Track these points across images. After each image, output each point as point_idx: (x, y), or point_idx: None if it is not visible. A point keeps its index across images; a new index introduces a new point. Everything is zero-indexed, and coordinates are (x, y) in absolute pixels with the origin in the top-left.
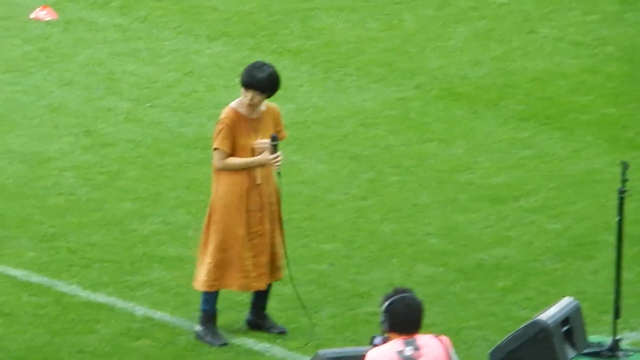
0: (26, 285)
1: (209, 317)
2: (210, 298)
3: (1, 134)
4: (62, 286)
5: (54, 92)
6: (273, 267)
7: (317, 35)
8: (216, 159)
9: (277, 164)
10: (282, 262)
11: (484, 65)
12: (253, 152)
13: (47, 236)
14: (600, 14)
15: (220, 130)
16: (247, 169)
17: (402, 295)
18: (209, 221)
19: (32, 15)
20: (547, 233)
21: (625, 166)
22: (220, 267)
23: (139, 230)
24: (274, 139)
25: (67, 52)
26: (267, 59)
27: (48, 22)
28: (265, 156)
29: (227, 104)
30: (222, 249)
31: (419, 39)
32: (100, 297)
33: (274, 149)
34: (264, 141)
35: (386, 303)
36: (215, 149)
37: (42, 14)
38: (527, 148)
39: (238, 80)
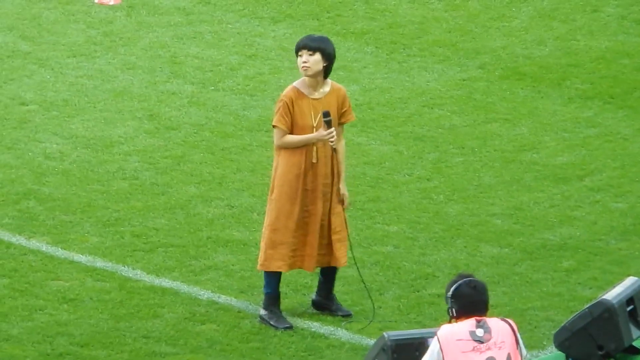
0: (90, 270)
1: (271, 300)
2: (272, 281)
3: (65, 118)
4: (126, 271)
5: (118, 76)
6: (326, 251)
7: (381, 17)
8: (275, 137)
9: (332, 139)
10: (341, 247)
11: (548, 44)
12: (312, 131)
13: (111, 221)
14: None
15: (279, 108)
16: (305, 149)
17: (468, 278)
18: (268, 200)
19: (96, 0)
20: (612, 212)
21: None
22: (271, 247)
23: (203, 214)
24: (325, 114)
25: (130, 36)
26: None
27: (112, 7)
28: (320, 132)
29: None
30: (275, 228)
31: (482, 19)
32: (165, 282)
33: (327, 125)
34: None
35: (453, 287)
36: (273, 126)
37: None
38: (592, 127)
39: None
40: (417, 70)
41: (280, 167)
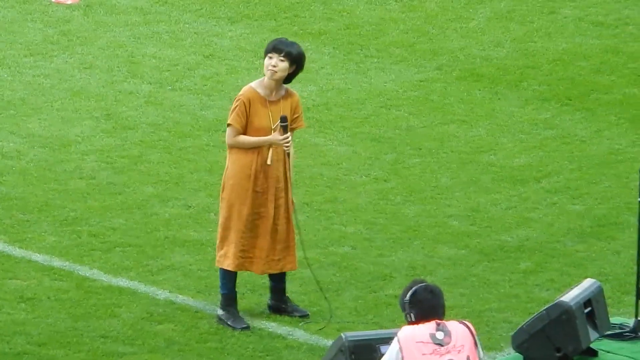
0: (48, 269)
1: (228, 300)
2: (227, 281)
3: (23, 118)
4: (83, 270)
5: (75, 75)
6: (280, 256)
7: (338, 17)
8: (228, 135)
9: (287, 144)
10: (290, 252)
11: (505, 46)
12: (266, 134)
13: (69, 220)
14: None
15: (236, 107)
16: (258, 150)
17: (423, 284)
18: (220, 199)
19: None
20: (569, 214)
21: None
22: (222, 245)
23: (160, 214)
24: (283, 119)
25: (88, 36)
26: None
27: (69, 6)
28: (275, 136)
29: None
30: (226, 227)
31: (440, 20)
32: (122, 282)
33: (284, 129)
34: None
35: (409, 293)
36: (228, 124)
37: None
38: (549, 129)
39: (259, 62)
40: (374, 71)
41: (231, 167)
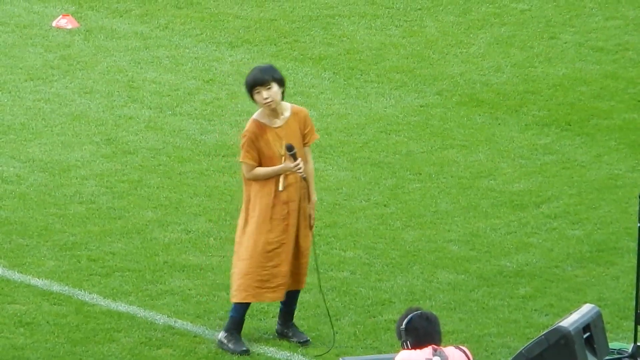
0: (47, 294)
1: (234, 324)
2: (241, 307)
3: (23, 142)
4: (83, 295)
5: (76, 100)
6: (296, 276)
7: (339, 42)
8: (244, 171)
9: (299, 170)
10: (306, 270)
11: (506, 71)
12: (281, 160)
13: (68, 245)
14: (622, 19)
15: (244, 144)
16: (275, 179)
17: (419, 311)
18: (242, 231)
19: (53, 24)
20: (569, 239)
21: None
22: (240, 278)
23: (160, 239)
24: (289, 148)
25: (88, 61)
26: (289, 66)
27: (69, 31)
28: (286, 165)
29: (249, 111)
30: (244, 259)
31: (440, 45)
32: (121, 306)
33: (293, 157)
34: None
35: (405, 320)
36: (240, 161)
37: (64, 22)
38: (549, 154)
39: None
40: (374, 96)
41: (253, 199)
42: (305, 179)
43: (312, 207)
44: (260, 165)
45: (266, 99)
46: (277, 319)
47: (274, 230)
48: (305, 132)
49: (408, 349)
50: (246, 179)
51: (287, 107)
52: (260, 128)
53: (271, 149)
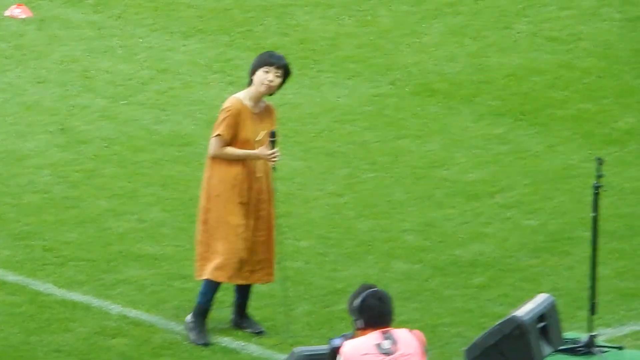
0: (1, 284)
1: (201, 311)
2: (208, 292)
3: None
4: (37, 285)
5: (29, 89)
6: (253, 267)
7: (293, 32)
8: (214, 146)
9: (275, 159)
10: (269, 264)
11: (459, 61)
12: (252, 147)
13: (22, 234)
14: (576, 9)
15: (225, 118)
16: (242, 162)
17: (372, 290)
18: (204, 210)
19: (6, 13)
20: (523, 229)
21: (600, 162)
22: (210, 257)
23: (114, 228)
24: (273, 134)
25: (42, 50)
26: (243, 55)
27: (23, 20)
28: (262, 151)
29: (203, 101)
30: (215, 238)
31: (394, 35)
32: (76, 296)
33: (272, 145)
34: None
35: (358, 299)
36: (216, 135)
37: (17, 11)
38: (503, 144)
39: (213, 77)
40: (328, 85)
41: (217, 177)
42: (274, 169)
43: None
44: (229, 146)
45: (271, 81)
46: (232, 309)
47: (239, 213)
48: (273, 128)
49: (359, 328)
50: (212, 156)
51: (263, 99)
52: (243, 108)
53: (246, 132)
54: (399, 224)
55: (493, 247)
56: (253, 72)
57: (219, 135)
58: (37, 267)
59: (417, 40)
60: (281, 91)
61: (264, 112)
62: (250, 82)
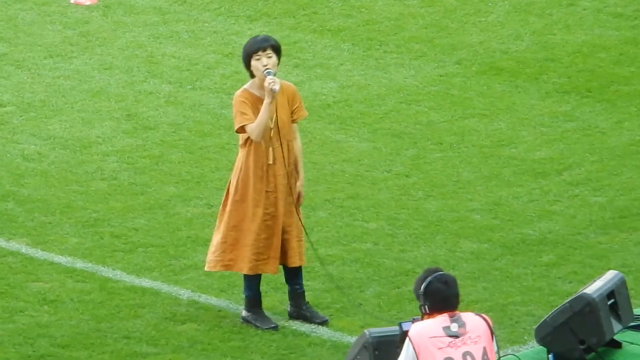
0: (70, 271)
1: (252, 302)
2: (252, 284)
3: (43, 119)
4: (106, 272)
5: (95, 76)
6: (285, 252)
7: (357, 13)
8: (249, 133)
9: (273, 85)
10: (298, 247)
11: (525, 39)
12: (268, 132)
13: (91, 221)
14: None
15: (238, 108)
16: (265, 152)
17: (437, 273)
18: (228, 200)
19: (72, 0)
20: (591, 206)
21: None
22: (232, 249)
23: (182, 214)
24: (268, 73)
25: (107, 36)
26: (308, 38)
27: (88, 7)
28: (266, 93)
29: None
30: (238, 229)
31: (459, 15)
32: (145, 282)
33: (267, 75)
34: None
35: (424, 284)
36: (241, 127)
37: None
38: (570, 121)
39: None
40: (394, 66)
41: (244, 169)
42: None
43: (301, 185)
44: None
45: (265, 65)
46: (289, 301)
47: (266, 202)
48: (294, 108)
49: (426, 312)
50: (241, 146)
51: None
52: (251, 97)
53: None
54: (466, 203)
55: (561, 225)
56: (247, 65)
57: (243, 126)
58: (106, 253)
59: (482, 19)
60: (347, 73)
61: (279, 95)
62: (251, 74)
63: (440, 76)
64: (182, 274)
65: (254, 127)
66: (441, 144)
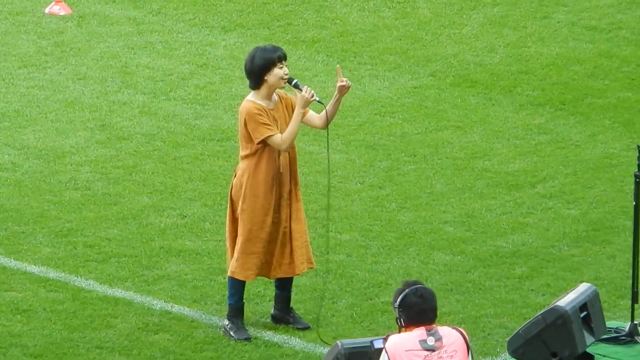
0: (43, 281)
1: (235, 311)
2: (236, 292)
3: (17, 129)
4: (79, 281)
5: (69, 86)
6: (290, 259)
7: (332, 25)
8: (278, 144)
9: (313, 95)
10: (301, 254)
11: (499, 51)
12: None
13: (64, 231)
14: None
15: (257, 119)
16: (274, 161)
17: (414, 287)
18: (237, 210)
19: (46, 10)
20: (564, 219)
21: None
22: (244, 257)
23: (155, 224)
24: (290, 81)
25: (81, 47)
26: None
27: (62, 17)
28: (302, 99)
29: (242, 95)
30: (248, 238)
31: (433, 27)
32: (118, 292)
33: (299, 87)
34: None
35: (400, 297)
36: (268, 137)
37: (56, 8)
38: (543, 134)
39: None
40: (368, 78)
41: (253, 177)
42: (321, 103)
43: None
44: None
45: (286, 73)
46: (274, 304)
47: (274, 210)
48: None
49: (402, 325)
50: (286, 150)
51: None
52: (260, 107)
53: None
54: (440, 215)
55: (534, 238)
56: (263, 73)
57: (270, 137)
58: (79, 263)
59: (457, 31)
60: (321, 84)
61: (277, 106)
62: (257, 84)
63: (415, 88)
64: (155, 284)
65: (286, 138)
66: (415, 155)
